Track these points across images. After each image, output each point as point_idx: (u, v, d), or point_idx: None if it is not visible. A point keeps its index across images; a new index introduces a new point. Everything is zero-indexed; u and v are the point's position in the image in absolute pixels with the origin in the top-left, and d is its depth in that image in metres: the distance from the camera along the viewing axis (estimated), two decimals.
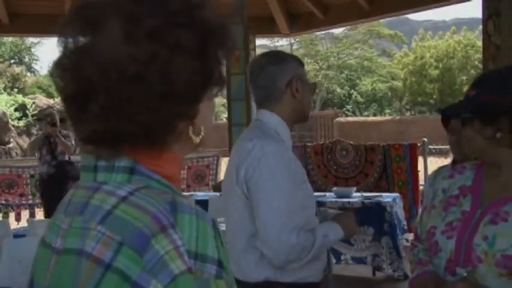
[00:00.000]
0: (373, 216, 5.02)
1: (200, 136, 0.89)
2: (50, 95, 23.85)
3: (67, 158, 6.59)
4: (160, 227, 0.76)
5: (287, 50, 29.02)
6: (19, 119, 19.17)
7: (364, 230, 5.05)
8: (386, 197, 5.32)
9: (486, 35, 4.56)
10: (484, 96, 1.52)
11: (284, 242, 1.79)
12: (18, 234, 3.89)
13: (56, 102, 19.70)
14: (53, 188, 6.29)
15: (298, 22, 7.85)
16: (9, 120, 18.16)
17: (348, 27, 29.57)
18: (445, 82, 28.16)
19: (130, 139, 0.82)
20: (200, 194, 6.25)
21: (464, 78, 27.49)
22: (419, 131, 18.46)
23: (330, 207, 4.06)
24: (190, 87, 0.83)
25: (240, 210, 1.90)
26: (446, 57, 28.54)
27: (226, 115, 10.84)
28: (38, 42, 34.25)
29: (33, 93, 24.34)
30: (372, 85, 33.93)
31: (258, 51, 6.10)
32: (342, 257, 5.31)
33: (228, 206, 1.99)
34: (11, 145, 17.69)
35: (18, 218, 7.43)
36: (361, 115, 30.90)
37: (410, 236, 4.90)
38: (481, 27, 4.80)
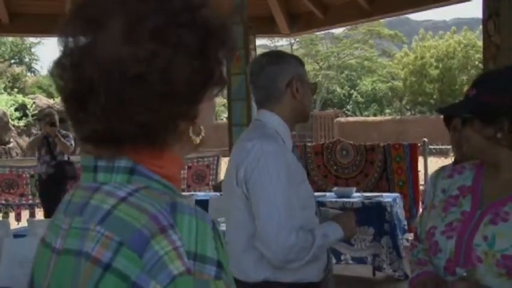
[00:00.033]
0: (373, 216, 5.02)
1: (200, 136, 0.88)
2: (50, 95, 23.87)
3: (66, 158, 6.58)
4: (159, 228, 0.76)
5: (287, 50, 29.02)
6: (19, 119, 19.18)
7: (364, 230, 5.05)
8: (387, 197, 5.32)
9: (486, 35, 4.56)
10: (484, 96, 1.52)
11: (283, 242, 1.79)
12: (18, 234, 3.89)
13: (56, 102, 19.72)
14: (51, 188, 6.28)
15: (298, 22, 7.85)
16: (9, 120, 18.18)
17: (348, 27, 29.60)
18: (445, 82, 28.18)
19: (130, 139, 0.82)
20: (200, 194, 6.25)
21: (464, 78, 27.50)
22: (419, 131, 18.48)
23: (331, 207, 4.06)
24: (191, 87, 0.83)
25: (239, 210, 1.90)
26: (446, 57, 28.56)
27: (226, 115, 10.84)
28: (38, 42, 34.27)
29: (34, 93, 24.36)
30: (372, 85, 33.93)
31: (258, 51, 6.11)
32: (342, 257, 5.31)
33: (229, 206, 1.99)
34: (11, 145, 17.71)
35: (18, 218, 7.42)
36: (361, 115, 30.91)
37: (411, 236, 4.89)
38: (481, 27, 4.80)
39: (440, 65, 28.42)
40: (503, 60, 4.29)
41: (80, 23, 0.82)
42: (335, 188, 5.69)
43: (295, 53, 15.85)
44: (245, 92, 6.06)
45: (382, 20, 27.81)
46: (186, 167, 8.07)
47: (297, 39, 33.14)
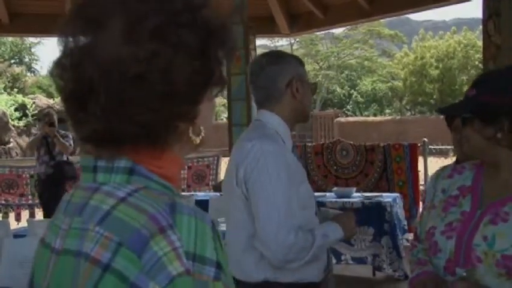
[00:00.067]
0: (373, 216, 5.02)
1: (200, 136, 0.88)
2: (50, 95, 23.86)
3: (65, 158, 6.58)
4: (158, 228, 0.76)
5: (287, 50, 29.02)
6: (19, 119, 19.18)
7: (364, 230, 5.05)
8: (387, 197, 5.32)
9: (486, 35, 4.55)
10: (484, 96, 1.52)
11: (282, 242, 1.79)
12: (18, 234, 3.89)
13: (56, 102, 19.72)
14: (50, 188, 6.28)
15: (298, 22, 7.85)
16: (9, 120, 18.18)
17: (348, 27, 29.59)
18: (445, 82, 28.17)
19: (131, 139, 0.82)
20: (200, 194, 6.25)
21: (464, 78, 27.49)
22: (419, 131, 18.49)
23: (331, 208, 4.06)
24: (191, 87, 0.83)
25: (239, 210, 1.90)
26: (446, 57, 28.55)
27: (226, 115, 10.84)
28: (38, 42, 34.24)
29: (33, 93, 24.35)
30: (372, 85, 33.93)
31: (258, 51, 6.11)
32: (342, 257, 5.31)
33: (229, 206, 1.99)
34: (11, 145, 17.71)
35: (18, 218, 7.42)
36: (361, 115, 30.91)
37: (411, 236, 4.89)
38: (481, 27, 4.80)
39: (440, 65, 28.41)
40: (503, 60, 4.29)
41: (80, 23, 0.82)
42: (335, 188, 5.69)
43: (295, 53, 15.85)
44: (245, 92, 6.06)
45: (382, 20, 27.80)
46: (186, 167, 8.07)
47: (297, 39, 33.14)
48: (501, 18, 4.37)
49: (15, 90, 23.13)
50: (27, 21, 7.27)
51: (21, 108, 19.51)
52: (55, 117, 6.56)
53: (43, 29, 6.57)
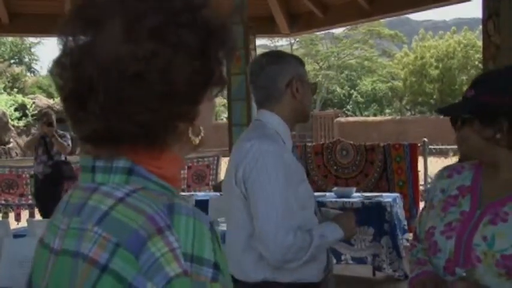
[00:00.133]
0: (373, 216, 5.02)
1: (199, 137, 0.88)
2: (50, 95, 23.86)
3: (63, 158, 6.57)
4: (156, 229, 0.76)
5: (287, 50, 29.03)
6: (19, 119, 19.18)
7: (364, 230, 5.05)
8: (387, 197, 5.32)
9: (486, 35, 4.56)
10: (483, 96, 1.52)
11: (281, 242, 1.78)
12: (18, 234, 3.88)
13: (56, 102, 19.72)
14: (48, 188, 6.27)
15: (298, 22, 7.85)
16: (9, 120, 18.18)
17: (348, 27, 29.59)
18: (445, 82, 28.16)
19: (130, 139, 0.82)
20: (200, 194, 6.24)
21: (464, 78, 27.48)
22: (419, 131, 18.48)
23: (331, 208, 4.06)
24: (191, 87, 0.82)
25: (239, 210, 1.90)
26: (446, 57, 28.54)
27: (226, 115, 10.84)
28: (38, 42, 34.25)
29: (33, 93, 24.36)
30: (372, 85, 33.92)
31: (258, 51, 6.11)
32: (342, 257, 5.31)
33: (229, 206, 1.99)
34: (10, 145, 17.71)
35: (18, 218, 7.42)
36: (361, 115, 30.91)
37: (411, 236, 4.89)
38: (481, 27, 4.80)
39: (440, 65, 28.41)
40: (503, 60, 4.29)
41: (79, 23, 0.82)
42: (335, 188, 5.69)
43: (295, 53, 15.85)
44: (245, 92, 6.06)
45: (382, 20, 27.80)
46: (186, 167, 8.07)
47: (297, 39, 33.14)
48: (501, 18, 4.37)
49: (15, 90, 23.13)
50: (27, 21, 7.27)
51: (21, 108, 19.51)
52: (53, 117, 6.55)
53: (43, 29, 6.56)
